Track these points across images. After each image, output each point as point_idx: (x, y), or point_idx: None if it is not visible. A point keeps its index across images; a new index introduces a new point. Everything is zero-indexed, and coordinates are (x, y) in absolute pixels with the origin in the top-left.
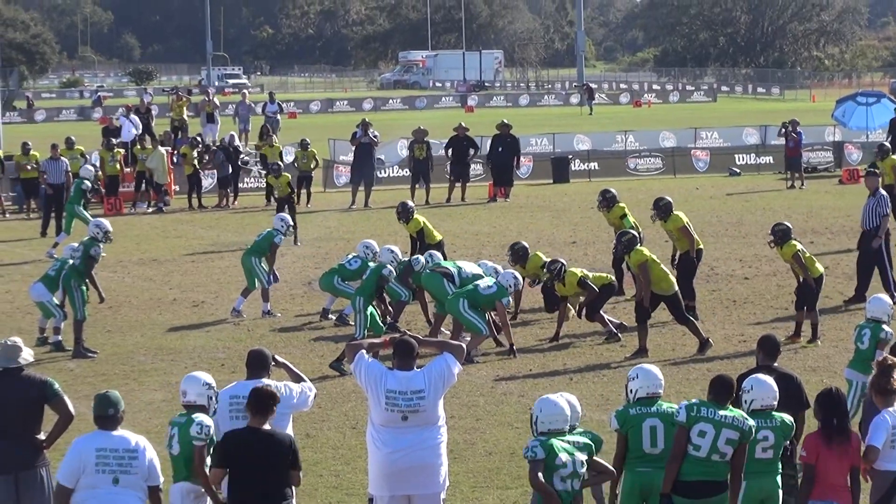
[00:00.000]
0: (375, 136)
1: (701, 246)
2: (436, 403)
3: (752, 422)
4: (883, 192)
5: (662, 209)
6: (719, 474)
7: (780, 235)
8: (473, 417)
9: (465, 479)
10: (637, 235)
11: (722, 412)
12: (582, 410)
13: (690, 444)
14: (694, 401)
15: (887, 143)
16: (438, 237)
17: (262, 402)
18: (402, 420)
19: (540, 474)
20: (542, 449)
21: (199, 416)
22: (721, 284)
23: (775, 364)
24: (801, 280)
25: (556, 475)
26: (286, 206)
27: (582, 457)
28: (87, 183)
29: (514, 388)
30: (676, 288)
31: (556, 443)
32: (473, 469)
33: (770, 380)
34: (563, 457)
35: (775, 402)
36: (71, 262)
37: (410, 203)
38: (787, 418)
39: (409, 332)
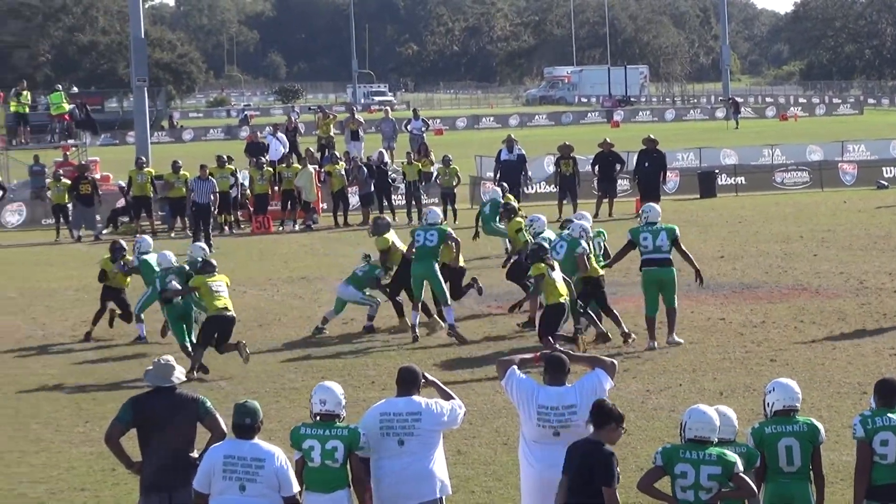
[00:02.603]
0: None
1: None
2: (587, 419)
3: None
4: None
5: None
6: None
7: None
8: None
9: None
10: (545, 248)
11: (894, 416)
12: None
13: (875, 455)
14: (865, 412)
15: None
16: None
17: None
18: (554, 435)
19: (663, 487)
20: (661, 457)
21: (361, 429)
22: (871, 298)
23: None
24: None
25: (676, 484)
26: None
27: (711, 470)
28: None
29: (664, 402)
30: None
31: (681, 453)
32: (625, 484)
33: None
34: (684, 467)
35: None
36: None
37: (384, 220)
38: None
39: (559, 348)
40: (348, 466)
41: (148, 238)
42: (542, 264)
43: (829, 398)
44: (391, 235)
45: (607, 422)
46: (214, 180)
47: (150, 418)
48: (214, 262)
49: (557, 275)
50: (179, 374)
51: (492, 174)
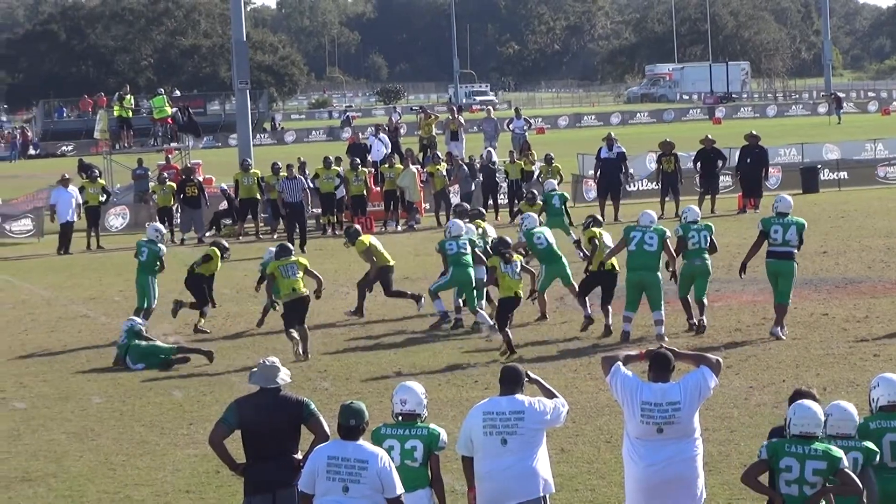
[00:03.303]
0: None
1: None
2: (691, 416)
3: None
4: None
5: None
6: None
7: None
8: (728, 429)
9: (720, 492)
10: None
11: None
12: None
13: None
14: None
15: None
16: (390, 262)
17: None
18: (658, 432)
19: (766, 479)
20: (766, 451)
21: (439, 429)
22: None
23: None
24: None
25: (780, 478)
26: None
27: (816, 465)
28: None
29: (767, 399)
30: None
31: (786, 447)
32: (729, 481)
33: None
34: (789, 461)
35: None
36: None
37: (352, 227)
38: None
39: (664, 346)
40: (429, 467)
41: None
42: (497, 257)
43: None
44: (368, 238)
45: None
46: (303, 178)
47: (254, 420)
48: (290, 245)
49: (512, 269)
50: (285, 375)
51: (592, 172)
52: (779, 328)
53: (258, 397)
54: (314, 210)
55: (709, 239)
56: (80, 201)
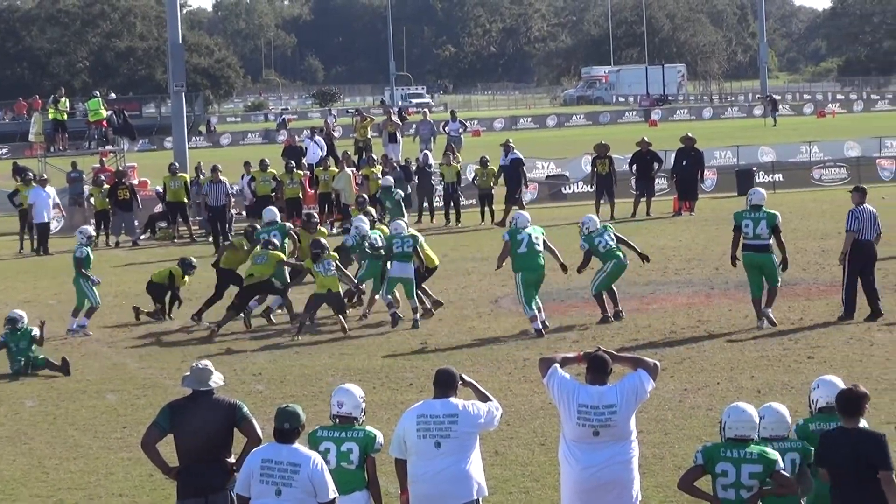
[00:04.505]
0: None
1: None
2: (627, 419)
3: None
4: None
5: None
6: None
7: None
8: (662, 432)
9: (655, 494)
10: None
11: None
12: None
13: None
14: None
15: None
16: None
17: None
18: (594, 435)
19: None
20: (702, 455)
21: (375, 432)
22: None
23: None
24: None
25: (717, 483)
26: None
27: (752, 468)
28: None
29: (701, 401)
30: None
31: (721, 451)
32: (663, 483)
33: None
34: (725, 466)
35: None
36: None
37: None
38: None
39: (602, 348)
40: (365, 469)
41: None
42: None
43: None
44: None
45: (861, 406)
46: (227, 182)
47: (187, 423)
48: (324, 241)
49: (323, 267)
50: (217, 378)
51: (530, 175)
52: (770, 310)
53: (191, 400)
54: (240, 213)
55: (613, 237)
56: (58, 201)
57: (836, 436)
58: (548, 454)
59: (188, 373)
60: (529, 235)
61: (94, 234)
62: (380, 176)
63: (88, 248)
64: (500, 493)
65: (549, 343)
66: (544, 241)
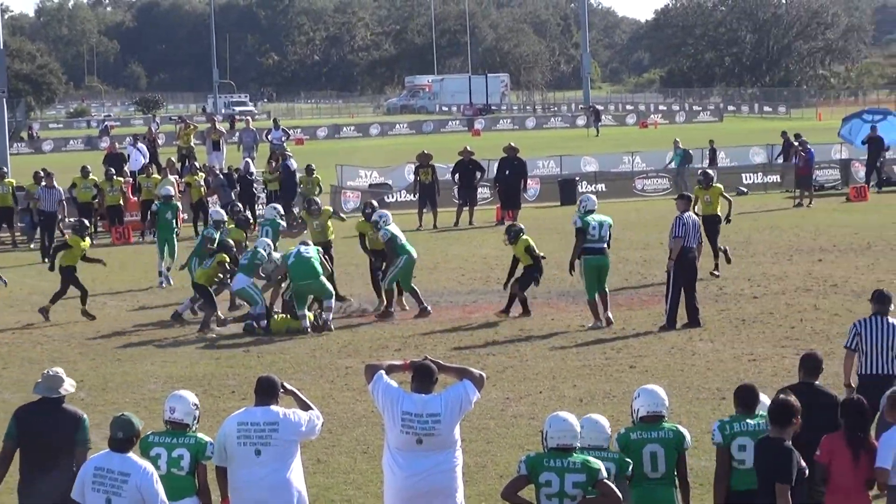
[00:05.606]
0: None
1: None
2: (451, 428)
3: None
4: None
5: (513, 235)
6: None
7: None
8: (484, 440)
9: (477, 502)
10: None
11: (752, 422)
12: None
13: (734, 460)
14: (724, 419)
15: (710, 171)
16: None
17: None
18: (418, 443)
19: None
20: (525, 465)
21: (207, 439)
22: (730, 304)
23: (816, 382)
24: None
25: (541, 492)
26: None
27: (576, 478)
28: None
29: (524, 410)
30: None
31: (545, 461)
32: (485, 492)
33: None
34: (549, 475)
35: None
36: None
37: (518, 226)
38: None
39: (429, 357)
40: (196, 476)
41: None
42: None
43: (688, 404)
44: (529, 239)
45: (792, 418)
46: (60, 189)
47: (34, 429)
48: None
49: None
50: (69, 385)
51: (353, 184)
52: (608, 312)
53: (39, 406)
54: (70, 219)
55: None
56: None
57: (759, 444)
58: (370, 462)
59: (40, 379)
60: None
61: None
62: (202, 184)
63: None
64: (322, 500)
65: (371, 352)
66: None
